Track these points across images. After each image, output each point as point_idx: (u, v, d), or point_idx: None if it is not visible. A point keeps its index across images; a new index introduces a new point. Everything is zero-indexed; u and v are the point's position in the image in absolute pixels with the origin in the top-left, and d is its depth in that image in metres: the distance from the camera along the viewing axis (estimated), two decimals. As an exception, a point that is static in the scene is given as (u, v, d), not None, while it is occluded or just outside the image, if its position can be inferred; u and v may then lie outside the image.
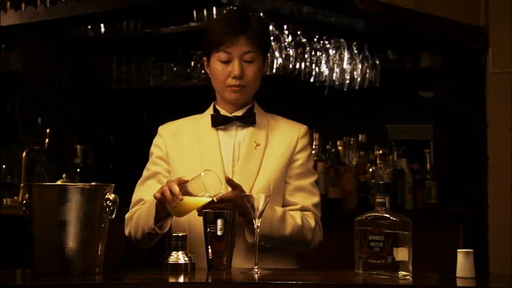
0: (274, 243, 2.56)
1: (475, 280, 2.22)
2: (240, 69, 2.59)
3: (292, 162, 2.66)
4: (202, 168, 2.49)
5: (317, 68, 4.96)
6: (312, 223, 2.61)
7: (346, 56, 4.98)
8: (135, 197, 2.68)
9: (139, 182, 2.71)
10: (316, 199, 2.66)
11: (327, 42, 4.96)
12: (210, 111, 2.71)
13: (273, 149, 2.65)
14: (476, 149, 4.90)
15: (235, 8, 4.36)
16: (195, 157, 2.62)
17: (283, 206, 2.64)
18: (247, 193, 2.45)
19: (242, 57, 2.59)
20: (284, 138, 2.67)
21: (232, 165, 2.62)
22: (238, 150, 2.64)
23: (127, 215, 2.65)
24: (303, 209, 2.63)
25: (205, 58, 2.68)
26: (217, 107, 2.70)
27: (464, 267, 2.23)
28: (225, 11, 4.53)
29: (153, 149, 2.72)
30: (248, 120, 2.67)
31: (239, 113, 2.67)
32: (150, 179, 2.68)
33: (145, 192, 2.65)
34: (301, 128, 2.71)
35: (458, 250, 2.26)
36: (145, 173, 2.71)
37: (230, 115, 2.67)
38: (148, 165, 2.71)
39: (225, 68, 2.60)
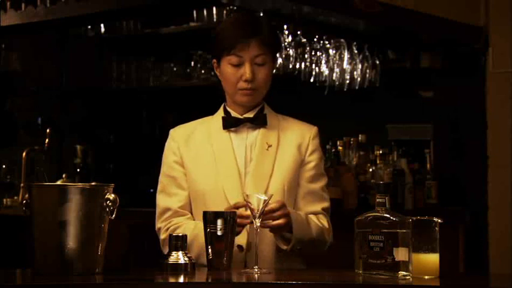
0: (302, 246, 2.57)
1: (475, 280, 2.22)
2: (252, 73, 2.58)
3: (304, 165, 2.68)
4: (217, 170, 2.55)
5: (317, 68, 4.96)
6: (326, 224, 2.65)
7: (346, 56, 4.97)
8: (161, 205, 2.66)
9: (160, 189, 2.69)
10: (327, 204, 2.69)
11: (327, 42, 4.96)
12: (220, 113, 2.70)
13: (285, 150, 2.66)
14: (476, 149, 4.90)
15: (235, 8, 4.36)
16: (209, 159, 2.62)
17: (295, 208, 2.64)
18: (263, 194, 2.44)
19: (253, 60, 2.59)
20: (295, 139, 2.68)
21: (245, 166, 2.62)
22: (250, 151, 2.64)
23: (162, 226, 2.63)
24: (315, 213, 2.65)
25: (214, 60, 2.67)
26: (228, 108, 2.69)
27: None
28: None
29: (167, 153, 2.69)
30: (259, 122, 2.67)
31: (250, 115, 2.67)
32: (171, 186, 2.66)
33: (171, 200, 2.64)
34: (312, 129, 2.73)
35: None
36: (164, 180, 2.68)
37: (241, 117, 2.67)
38: (165, 171, 2.69)
39: (236, 72, 2.60)
